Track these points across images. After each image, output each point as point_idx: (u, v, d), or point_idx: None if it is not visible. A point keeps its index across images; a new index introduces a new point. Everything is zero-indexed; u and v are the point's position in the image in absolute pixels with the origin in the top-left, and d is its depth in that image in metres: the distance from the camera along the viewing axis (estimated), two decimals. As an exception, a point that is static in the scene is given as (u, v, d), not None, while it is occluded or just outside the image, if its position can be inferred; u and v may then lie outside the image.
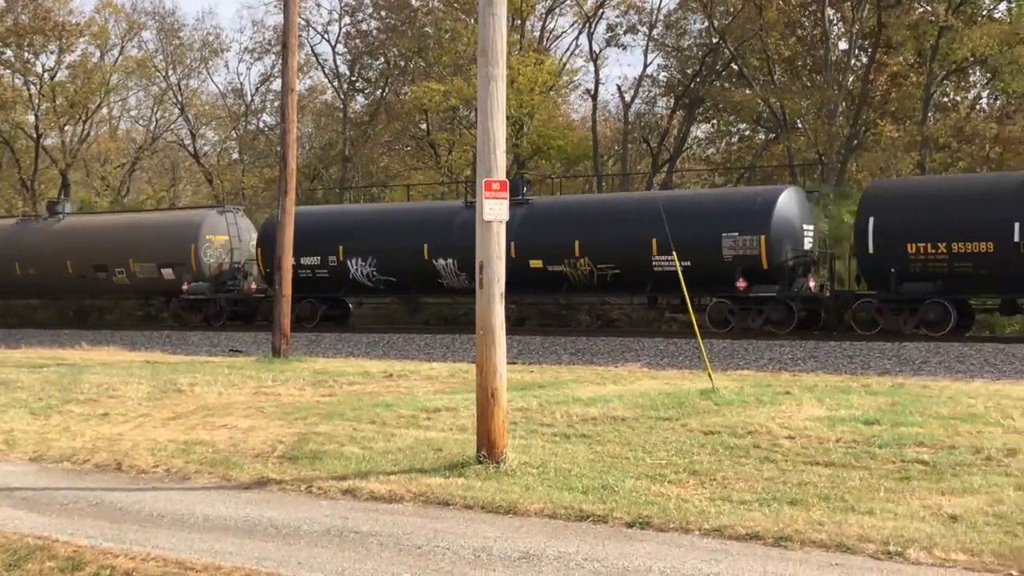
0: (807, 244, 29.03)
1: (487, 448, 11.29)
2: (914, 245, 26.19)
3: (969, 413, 13.04)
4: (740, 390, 15.49)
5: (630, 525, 9.16)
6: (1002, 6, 43.99)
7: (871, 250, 26.86)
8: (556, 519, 9.46)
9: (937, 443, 11.42)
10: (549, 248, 30.80)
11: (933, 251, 26.03)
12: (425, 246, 32.37)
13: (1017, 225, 25.19)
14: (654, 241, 28.58)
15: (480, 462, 11.23)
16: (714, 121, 50.52)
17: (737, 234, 28.07)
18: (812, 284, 28.89)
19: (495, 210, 11.44)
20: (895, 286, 26.50)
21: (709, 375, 16.38)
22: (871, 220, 26.83)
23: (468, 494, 10.26)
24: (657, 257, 28.83)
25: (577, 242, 30.25)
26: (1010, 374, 20.70)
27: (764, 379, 17.78)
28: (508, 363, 12.09)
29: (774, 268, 27.97)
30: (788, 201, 28.72)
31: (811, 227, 29.39)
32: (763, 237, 27.86)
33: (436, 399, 15.59)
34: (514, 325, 29.38)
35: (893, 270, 26.32)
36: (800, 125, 44.07)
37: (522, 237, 30.42)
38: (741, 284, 27.87)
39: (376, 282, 33.94)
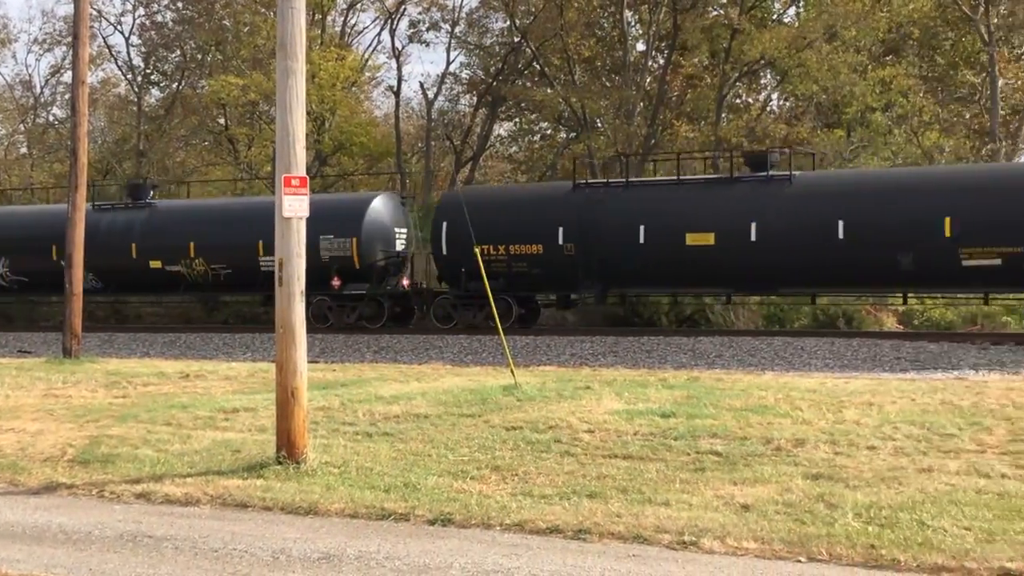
0: (399, 246, 31.01)
1: (287, 448, 11.12)
2: (480, 247, 27.71)
3: (760, 405, 13.46)
4: (542, 385, 15.65)
5: (432, 522, 9.15)
6: (791, 10, 45.66)
7: (445, 251, 29.07)
8: (357, 518, 9.38)
9: (730, 434, 11.75)
10: (168, 249, 32.19)
11: (495, 252, 28.19)
12: (54, 247, 32.27)
13: (561, 229, 27.55)
14: (260, 243, 30.05)
15: (280, 463, 11.06)
16: (516, 119, 50.91)
17: (333, 236, 29.69)
18: (406, 282, 30.87)
19: (295, 206, 11.27)
20: (465, 284, 28.49)
21: (511, 371, 16.49)
22: (444, 224, 28.94)
23: (267, 495, 10.10)
24: (263, 258, 30.21)
25: (192, 243, 31.84)
26: (798, 367, 21.49)
27: (565, 374, 18.02)
28: (310, 362, 11.95)
29: (365, 268, 29.98)
30: (380, 206, 30.66)
31: (404, 230, 31.40)
32: (355, 239, 29.77)
33: (235, 399, 15.30)
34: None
35: (463, 269, 28.16)
36: (600, 124, 44.77)
37: (144, 239, 32.45)
38: (336, 283, 29.77)
39: (11, 282, 34.70)
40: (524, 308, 29.14)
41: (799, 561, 7.84)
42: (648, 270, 26.86)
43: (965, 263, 23.91)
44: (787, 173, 26.57)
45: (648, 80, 43.78)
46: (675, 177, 28.10)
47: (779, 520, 8.69)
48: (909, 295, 26.94)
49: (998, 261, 23.68)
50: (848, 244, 24.79)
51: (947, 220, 24.04)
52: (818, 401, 13.67)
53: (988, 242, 23.76)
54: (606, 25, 45.88)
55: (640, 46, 44.78)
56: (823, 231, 25.01)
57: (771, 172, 26.60)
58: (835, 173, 30.90)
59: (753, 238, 25.74)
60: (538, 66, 45.75)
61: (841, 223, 24.88)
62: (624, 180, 28.66)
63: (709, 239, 26.15)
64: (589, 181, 29.00)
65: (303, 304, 11.30)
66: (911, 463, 10.41)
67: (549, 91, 44.51)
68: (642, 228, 26.68)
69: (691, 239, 26.29)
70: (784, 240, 25.45)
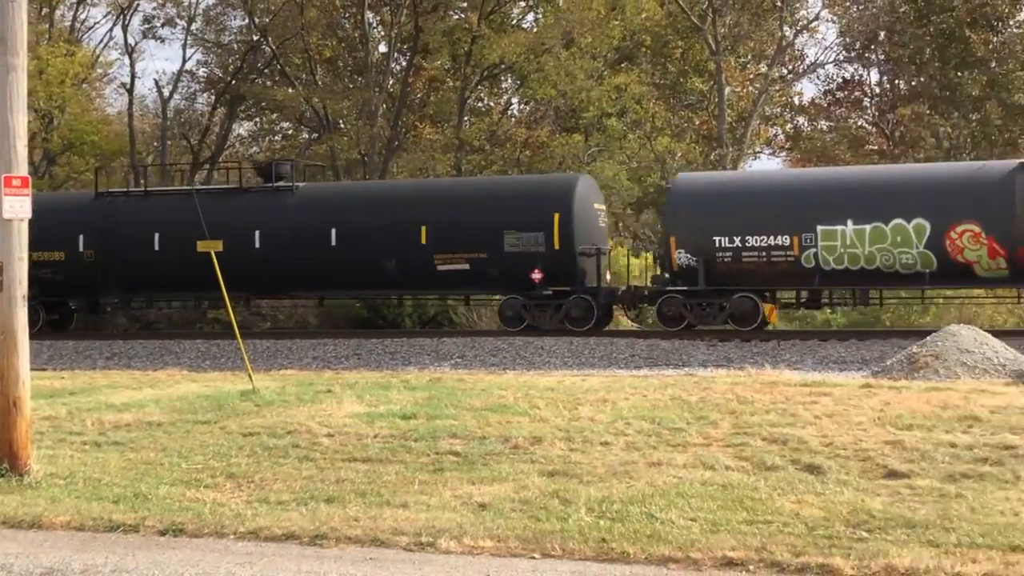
0: None
1: (9, 460, 10.62)
2: None
3: (500, 404, 13.63)
4: (282, 390, 15.46)
5: (163, 533, 8.88)
6: (530, 16, 46.54)
7: None
8: (84, 531, 9.02)
9: (470, 434, 11.85)
10: None
11: None
12: None
13: (82, 236, 28.79)
14: None
15: (1, 475, 10.54)
16: (257, 119, 50.16)
17: None
18: None
19: (16, 208, 10.80)
20: None
21: (249, 376, 16.23)
22: None
23: (-13, 510, 9.60)
24: None
25: None
26: (539, 366, 21.94)
27: (307, 378, 17.85)
28: (37, 369, 11.48)
29: None
30: None
31: None
32: None
33: (-46, 410, 14.49)
34: (54, 329, 29.02)
35: None
36: (343, 125, 44.56)
37: None
38: None
39: None
40: (57, 314, 29.87)
41: (533, 558, 7.96)
42: (164, 276, 28.04)
43: (440, 268, 26.54)
44: (291, 184, 28.41)
45: (391, 82, 43.84)
46: (189, 187, 29.94)
47: (515, 518, 8.81)
48: (404, 297, 29.92)
49: (466, 266, 26.31)
50: (340, 250, 26.98)
51: (423, 229, 26.51)
52: (556, 399, 13.93)
53: (457, 249, 26.31)
54: (347, 26, 45.65)
55: (382, 47, 44.78)
56: (319, 238, 27.04)
57: (276, 183, 28.32)
58: (333, 185, 33.79)
59: (258, 245, 27.44)
60: (279, 65, 45.15)
61: (334, 231, 27.06)
62: (143, 189, 30.08)
63: (218, 246, 27.34)
64: (111, 190, 30.19)
65: (25, 309, 10.82)
66: (642, 457, 10.73)
67: (290, 91, 44.02)
68: (157, 236, 27.89)
69: (202, 246, 27.45)
70: (285, 247, 27.30)
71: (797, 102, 50.19)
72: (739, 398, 13.69)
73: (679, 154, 41.95)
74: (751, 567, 7.58)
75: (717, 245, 24.70)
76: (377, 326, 30.69)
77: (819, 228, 24.10)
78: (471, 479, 10.13)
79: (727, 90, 42.61)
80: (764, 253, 24.50)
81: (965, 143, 40.43)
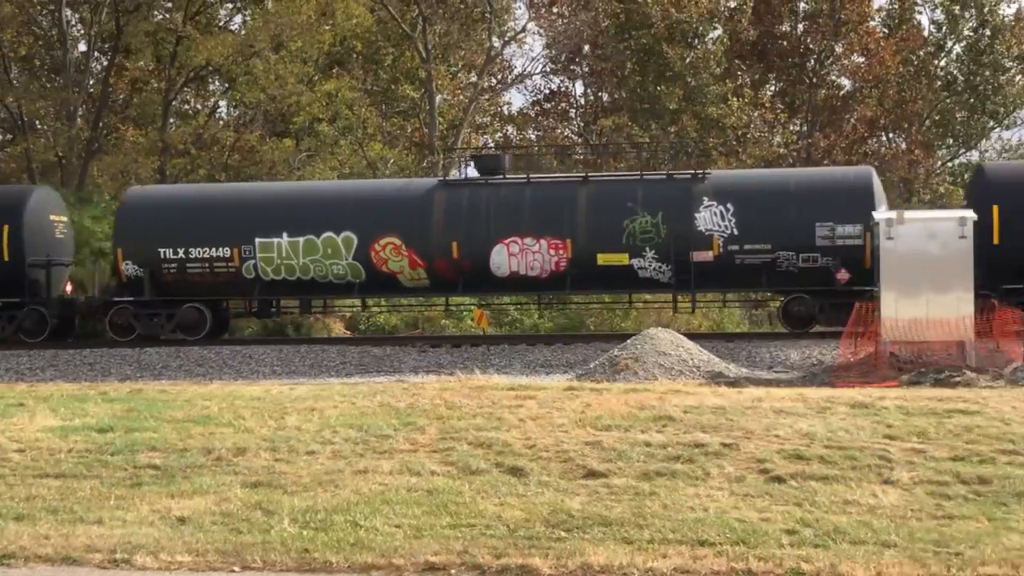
0: None
1: None
2: None
3: (204, 415, 13.33)
4: (-33, 404, 14.64)
5: None
6: (238, 18, 45.77)
7: None
8: None
9: (170, 447, 11.54)
10: None
11: None
12: None
13: None
14: None
15: None
16: (-55, 119, 47.52)
17: None
18: None
19: None
20: None
21: (-68, 390, 15.30)
22: None
23: None
24: None
25: None
26: (247, 375, 21.56)
27: (-3, 391, 16.97)
28: None
29: None
30: None
31: None
32: None
33: None
34: None
35: None
36: (39, 126, 42.72)
37: None
38: None
39: None
40: None
41: (233, 571, 7.83)
42: None
43: None
44: None
45: (91, 82, 42.27)
46: None
47: (215, 531, 8.63)
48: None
49: None
50: None
51: None
52: (262, 409, 13.72)
53: None
54: (45, 23, 43.75)
55: (82, 46, 43.16)
56: None
57: None
58: None
59: None
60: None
61: None
62: None
63: None
64: None
65: None
66: (348, 465, 10.69)
67: (-16, 89, 41.81)
68: None
69: None
70: None
71: (506, 112, 51.28)
72: (447, 403, 13.82)
73: (391, 161, 42.06)
74: (453, 571, 7.67)
75: (162, 256, 25.26)
76: (75, 335, 29.44)
77: (257, 240, 25.01)
78: (170, 493, 9.86)
79: (438, 98, 43.08)
80: (207, 264, 25.26)
81: (664, 154, 42.17)
